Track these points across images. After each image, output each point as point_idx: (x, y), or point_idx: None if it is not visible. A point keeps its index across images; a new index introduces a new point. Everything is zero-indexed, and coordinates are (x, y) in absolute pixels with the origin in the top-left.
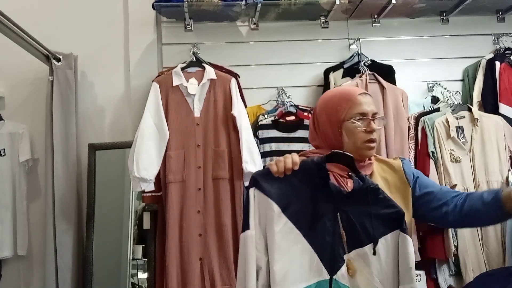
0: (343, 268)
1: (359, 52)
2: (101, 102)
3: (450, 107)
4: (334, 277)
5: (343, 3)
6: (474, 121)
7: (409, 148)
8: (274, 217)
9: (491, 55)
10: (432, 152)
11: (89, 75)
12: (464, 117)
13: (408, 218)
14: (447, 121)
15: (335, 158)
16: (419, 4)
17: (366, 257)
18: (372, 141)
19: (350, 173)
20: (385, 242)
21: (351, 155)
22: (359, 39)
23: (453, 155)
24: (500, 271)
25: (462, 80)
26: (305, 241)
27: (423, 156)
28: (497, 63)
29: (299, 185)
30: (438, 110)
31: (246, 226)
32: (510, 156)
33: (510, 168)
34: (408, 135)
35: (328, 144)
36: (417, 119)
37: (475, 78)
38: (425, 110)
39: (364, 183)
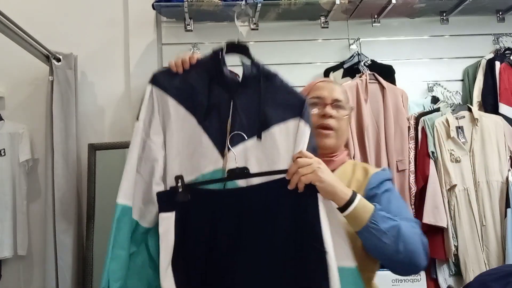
0: (232, 156)
1: (359, 52)
2: (101, 102)
3: (450, 107)
4: (226, 166)
5: (343, 3)
6: (474, 121)
7: (409, 148)
8: (170, 110)
9: (491, 55)
10: (432, 152)
11: (89, 75)
12: (464, 117)
13: None
14: (447, 121)
15: (232, 49)
16: (419, 4)
17: (251, 148)
18: (325, 127)
19: (242, 62)
20: (279, 130)
21: (246, 45)
22: (359, 39)
23: (453, 155)
24: (500, 271)
25: (462, 80)
26: (201, 131)
27: (423, 156)
28: (497, 63)
29: (197, 78)
30: (438, 110)
31: (137, 117)
32: (510, 156)
33: (510, 168)
34: (408, 135)
35: None
36: (417, 119)
37: (475, 78)
38: (425, 110)
39: (259, 70)
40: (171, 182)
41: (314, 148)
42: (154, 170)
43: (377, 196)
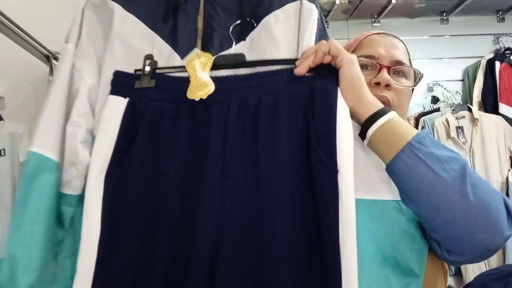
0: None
1: None
2: None
3: (450, 107)
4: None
5: (343, 3)
6: (474, 121)
7: None
8: (114, 20)
9: (491, 55)
10: None
11: None
12: (464, 117)
13: None
14: (447, 121)
15: None
16: (419, 4)
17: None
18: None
19: None
20: (275, 19)
21: None
22: None
23: None
24: (500, 271)
25: (462, 80)
26: (160, 40)
27: None
28: (497, 63)
29: None
30: (438, 110)
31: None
32: (510, 156)
33: (510, 168)
34: None
35: None
36: (417, 119)
37: (475, 78)
38: (425, 110)
39: None
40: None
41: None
42: (73, 106)
43: None
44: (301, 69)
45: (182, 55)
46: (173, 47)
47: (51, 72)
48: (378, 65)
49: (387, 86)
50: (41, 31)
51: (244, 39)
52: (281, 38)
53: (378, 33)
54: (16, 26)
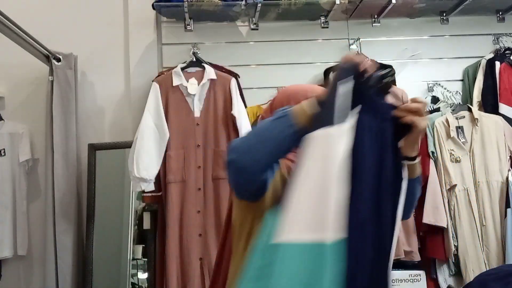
0: None
1: (359, 52)
2: (101, 102)
3: (450, 107)
4: None
5: (343, 3)
6: (474, 121)
7: None
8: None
9: (491, 55)
10: (432, 152)
11: (89, 75)
12: (464, 117)
13: None
14: (447, 121)
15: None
16: (419, 4)
17: None
18: None
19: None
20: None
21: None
22: (359, 39)
23: (453, 155)
24: (500, 271)
25: (462, 80)
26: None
27: (423, 156)
28: (497, 63)
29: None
30: (438, 110)
31: (327, 122)
32: (510, 156)
33: (510, 168)
34: None
35: None
36: None
37: (475, 78)
38: (425, 110)
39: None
40: None
41: None
42: None
43: None
44: (399, 113)
45: None
46: None
47: (51, 72)
48: None
49: None
50: (41, 31)
51: None
52: None
53: None
54: (16, 26)
